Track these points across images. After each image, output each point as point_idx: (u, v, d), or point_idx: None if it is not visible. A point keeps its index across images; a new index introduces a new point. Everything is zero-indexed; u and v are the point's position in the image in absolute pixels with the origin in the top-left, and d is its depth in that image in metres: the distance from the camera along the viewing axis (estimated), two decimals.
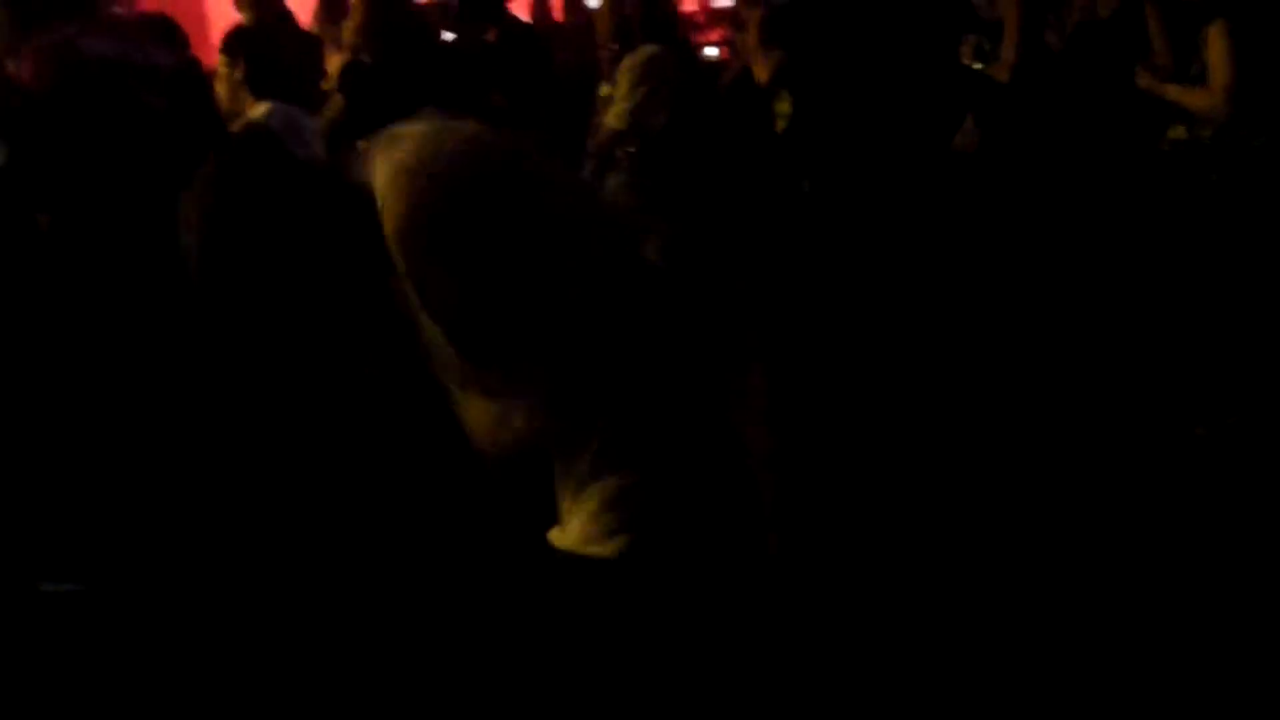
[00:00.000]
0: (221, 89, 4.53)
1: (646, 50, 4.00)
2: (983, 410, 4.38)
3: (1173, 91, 4.46)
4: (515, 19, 5.55)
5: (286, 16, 5.49)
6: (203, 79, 4.79)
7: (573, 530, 1.76)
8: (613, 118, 4.06)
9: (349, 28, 4.96)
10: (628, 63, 3.99)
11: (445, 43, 5.11)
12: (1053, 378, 4.53)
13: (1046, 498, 3.91)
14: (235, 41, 4.49)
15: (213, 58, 4.55)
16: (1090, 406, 4.39)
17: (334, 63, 5.40)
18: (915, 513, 3.85)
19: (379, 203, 1.73)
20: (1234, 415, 4.17)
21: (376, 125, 4.50)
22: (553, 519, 1.80)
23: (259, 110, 4.41)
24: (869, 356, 4.59)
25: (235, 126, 4.36)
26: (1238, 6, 4.27)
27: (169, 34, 5.63)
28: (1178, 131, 4.49)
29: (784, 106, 5.25)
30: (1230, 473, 3.95)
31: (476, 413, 1.75)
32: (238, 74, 4.45)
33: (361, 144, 4.31)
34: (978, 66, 5.07)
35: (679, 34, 5.13)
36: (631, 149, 4.01)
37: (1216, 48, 4.28)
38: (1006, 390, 4.46)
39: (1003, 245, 4.74)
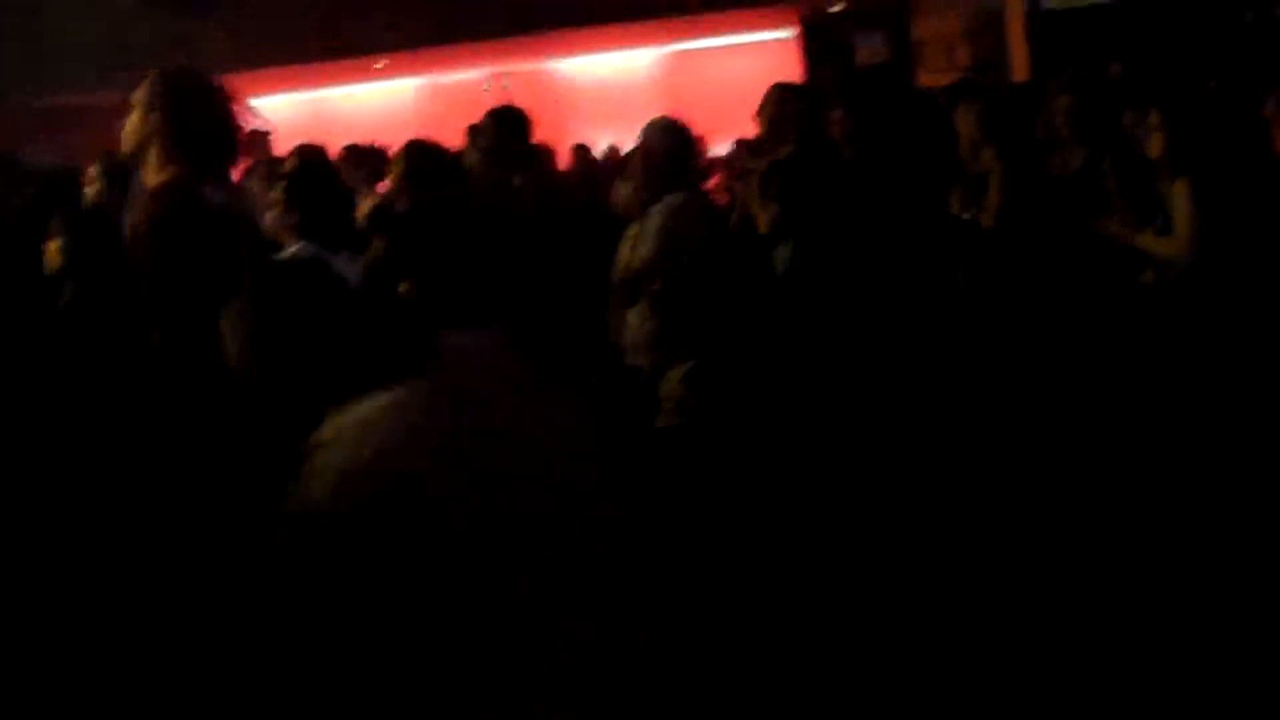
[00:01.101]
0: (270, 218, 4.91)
1: (677, 197, 4.40)
2: None
3: (1141, 239, 4.93)
4: (545, 165, 5.96)
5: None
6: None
7: None
8: (638, 259, 4.42)
9: (390, 175, 5.36)
10: (660, 206, 4.38)
11: (474, 188, 5.47)
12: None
13: None
14: (293, 185, 4.88)
15: None
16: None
17: (362, 208, 5.82)
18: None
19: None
20: None
21: (414, 270, 4.97)
22: None
23: (293, 249, 4.80)
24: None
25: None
26: (1200, 166, 4.78)
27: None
28: (1148, 276, 4.96)
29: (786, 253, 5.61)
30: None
31: None
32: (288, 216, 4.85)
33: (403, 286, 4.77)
34: (966, 216, 5.50)
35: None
36: (657, 286, 4.38)
37: (1181, 201, 4.78)
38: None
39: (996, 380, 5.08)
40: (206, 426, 3.16)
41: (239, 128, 3.83)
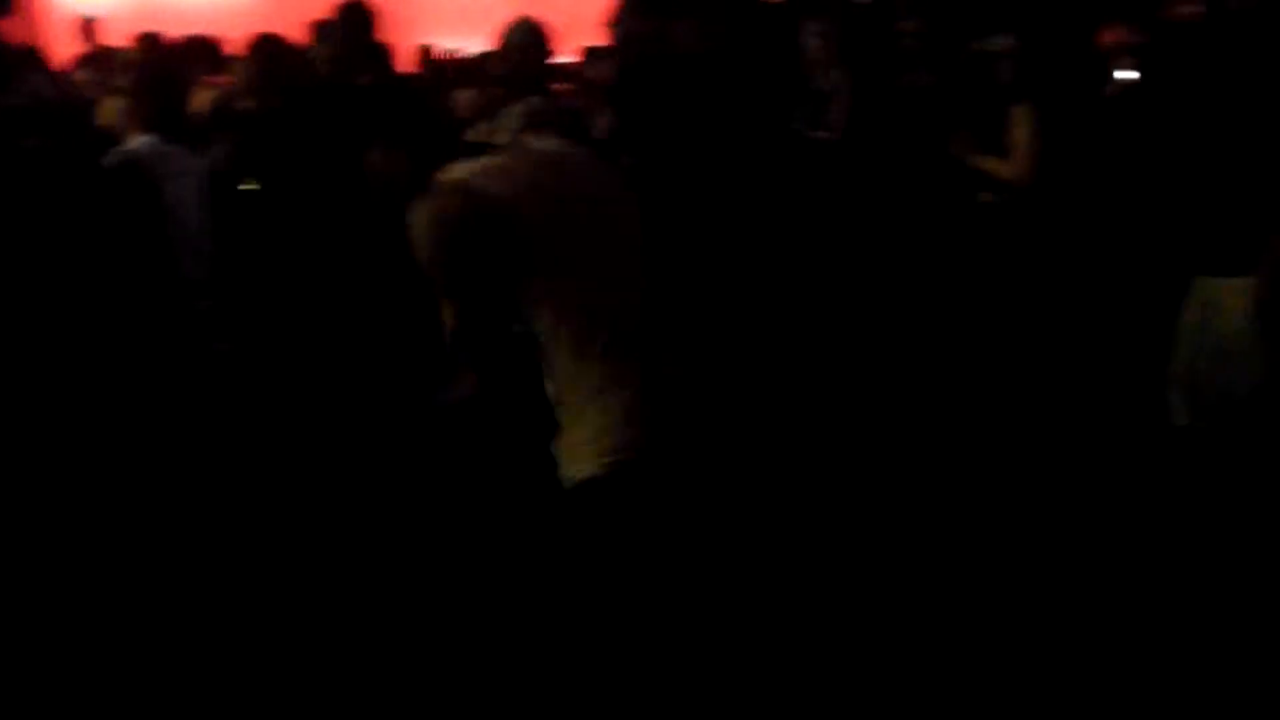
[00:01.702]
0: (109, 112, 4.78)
1: (534, 100, 4.35)
2: None
3: (983, 161, 5.06)
4: (390, 66, 5.84)
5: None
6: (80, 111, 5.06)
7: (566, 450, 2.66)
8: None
9: (235, 72, 5.23)
10: (517, 109, 4.33)
11: (323, 87, 5.37)
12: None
13: None
14: (134, 83, 4.76)
15: None
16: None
17: (201, 104, 5.67)
18: None
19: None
20: None
21: (262, 164, 4.92)
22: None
23: (135, 142, 4.68)
24: None
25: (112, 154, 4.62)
26: (1042, 91, 4.93)
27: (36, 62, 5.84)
28: (985, 197, 5.11)
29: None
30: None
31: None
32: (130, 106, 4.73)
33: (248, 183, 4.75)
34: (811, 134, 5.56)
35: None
36: None
37: (1023, 125, 4.92)
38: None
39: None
40: None
41: None
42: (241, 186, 4.90)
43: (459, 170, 2.71)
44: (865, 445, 4.70)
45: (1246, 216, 3.74)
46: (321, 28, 5.74)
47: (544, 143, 3.10)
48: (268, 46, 5.02)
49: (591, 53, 7.27)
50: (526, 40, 4.48)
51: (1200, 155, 3.93)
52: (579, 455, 2.66)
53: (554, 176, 2.74)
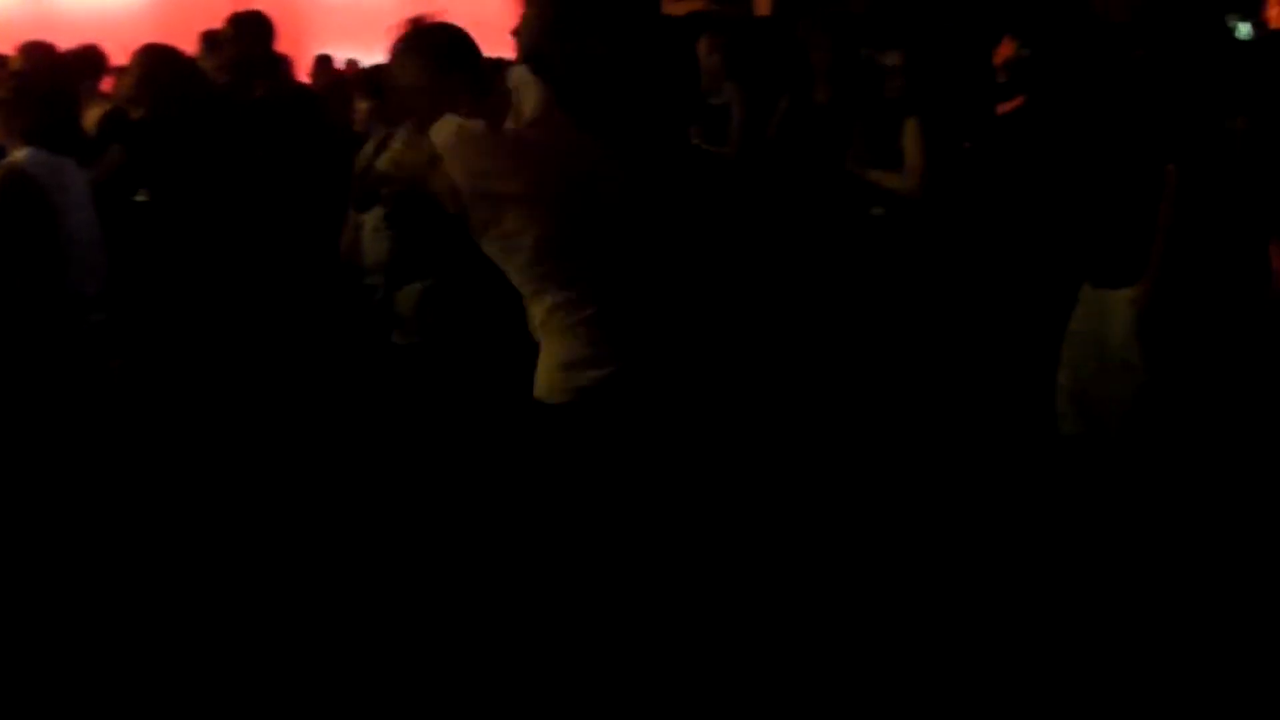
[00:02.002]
0: None
1: None
2: None
3: (874, 174, 5.14)
4: (288, 76, 5.80)
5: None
6: None
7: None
8: (385, 161, 4.36)
9: (125, 82, 5.15)
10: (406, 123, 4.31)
11: (216, 97, 5.32)
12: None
13: None
14: (16, 94, 4.66)
15: None
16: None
17: (91, 115, 5.58)
18: None
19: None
20: None
21: (154, 175, 4.85)
22: None
23: (20, 154, 4.60)
24: None
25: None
26: (929, 106, 5.01)
27: None
28: (877, 210, 5.17)
29: None
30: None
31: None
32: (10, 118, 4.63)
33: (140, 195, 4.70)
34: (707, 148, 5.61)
35: None
36: (395, 204, 4.34)
37: (912, 138, 5.00)
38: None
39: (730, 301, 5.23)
40: None
41: None
42: (135, 198, 4.84)
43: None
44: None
45: (1130, 228, 3.82)
46: (211, 38, 5.69)
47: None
48: (154, 51, 4.94)
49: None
50: None
51: (1084, 168, 4.02)
52: (551, 381, 2.98)
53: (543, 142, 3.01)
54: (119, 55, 6.08)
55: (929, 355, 4.93)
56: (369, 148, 4.80)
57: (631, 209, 3.12)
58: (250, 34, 5.49)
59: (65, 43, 6.47)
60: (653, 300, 3.08)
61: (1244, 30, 6.15)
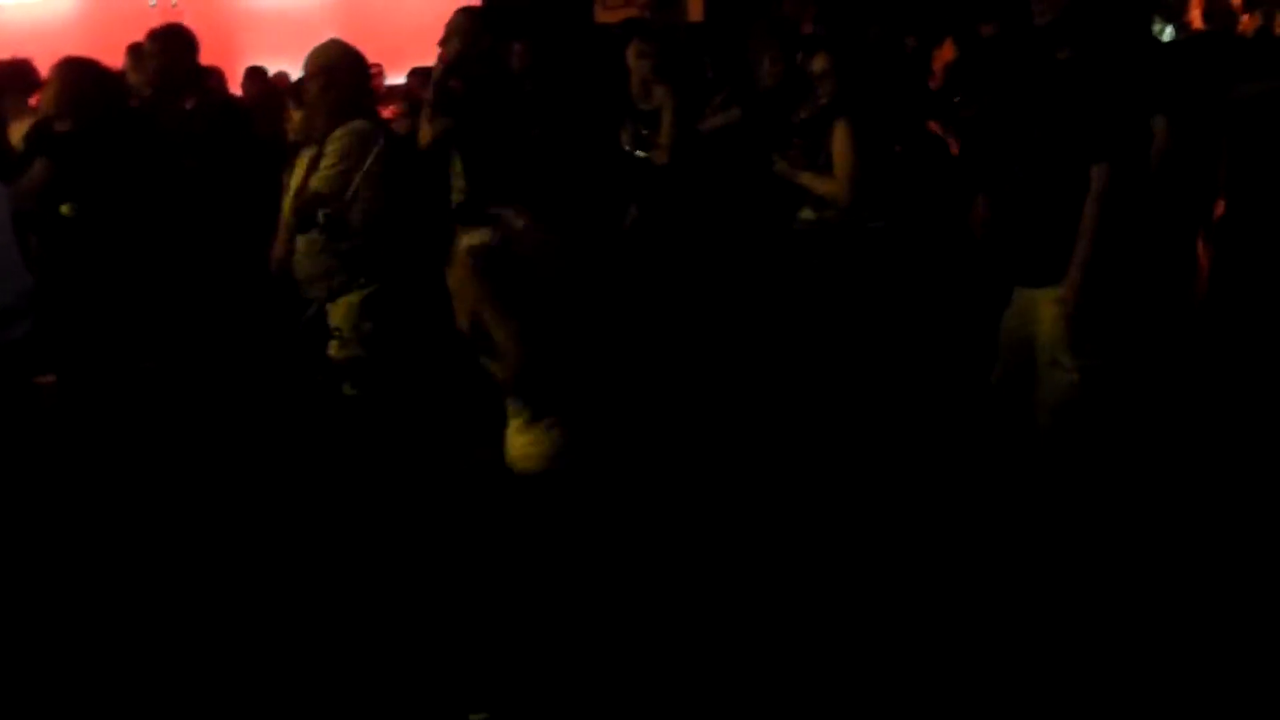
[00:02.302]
0: None
1: (357, 124, 4.31)
2: None
3: (804, 178, 5.13)
4: (215, 89, 5.75)
5: None
6: None
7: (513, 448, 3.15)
8: (318, 181, 4.33)
9: (46, 95, 5.07)
10: (339, 133, 4.29)
11: (140, 110, 5.26)
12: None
13: None
14: None
15: None
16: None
17: (16, 130, 5.50)
18: None
19: None
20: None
21: (79, 188, 4.78)
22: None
23: None
24: None
25: None
26: (858, 108, 5.02)
27: None
28: (807, 213, 5.18)
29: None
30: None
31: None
32: None
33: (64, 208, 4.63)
34: (638, 153, 5.62)
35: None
36: (329, 211, 4.31)
37: (840, 142, 5.01)
38: None
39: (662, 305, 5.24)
40: None
41: None
42: (60, 210, 4.77)
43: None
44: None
45: (1056, 227, 3.84)
46: (136, 49, 5.63)
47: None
48: (75, 64, 4.88)
49: (421, 73, 7.26)
50: (343, 62, 4.41)
51: (1010, 167, 4.04)
52: (526, 452, 3.17)
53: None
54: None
55: (863, 357, 4.94)
56: (301, 167, 4.73)
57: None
58: (173, 47, 5.43)
59: None
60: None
61: (1168, 32, 6.23)
